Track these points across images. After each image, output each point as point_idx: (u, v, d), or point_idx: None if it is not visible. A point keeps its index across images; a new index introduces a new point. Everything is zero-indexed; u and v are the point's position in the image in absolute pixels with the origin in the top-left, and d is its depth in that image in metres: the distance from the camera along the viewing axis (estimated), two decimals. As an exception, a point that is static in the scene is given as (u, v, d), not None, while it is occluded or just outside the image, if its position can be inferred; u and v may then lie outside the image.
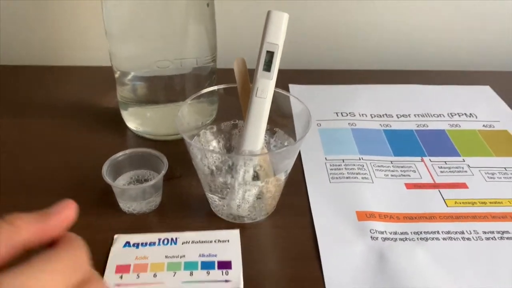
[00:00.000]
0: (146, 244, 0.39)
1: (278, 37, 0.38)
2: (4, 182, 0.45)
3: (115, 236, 0.40)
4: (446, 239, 0.39)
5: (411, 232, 0.40)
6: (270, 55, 0.38)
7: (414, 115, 0.56)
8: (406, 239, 0.39)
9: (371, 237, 0.39)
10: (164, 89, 0.50)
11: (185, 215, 0.42)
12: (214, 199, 0.41)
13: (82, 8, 0.64)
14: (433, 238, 0.39)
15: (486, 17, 0.67)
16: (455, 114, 0.56)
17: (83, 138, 0.52)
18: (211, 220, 0.42)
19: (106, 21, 0.47)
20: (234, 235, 0.40)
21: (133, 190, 0.41)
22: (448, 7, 0.66)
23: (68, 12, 0.65)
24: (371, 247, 0.38)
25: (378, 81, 0.62)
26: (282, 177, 0.40)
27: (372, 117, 0.55)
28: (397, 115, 0.56)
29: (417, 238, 0.39)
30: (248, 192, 0.40)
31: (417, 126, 0.54)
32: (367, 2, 0.65)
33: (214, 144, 0.44)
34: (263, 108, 0.39)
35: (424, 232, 0.40)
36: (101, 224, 0.41)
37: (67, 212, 0.25)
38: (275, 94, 0.41)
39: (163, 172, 0.41)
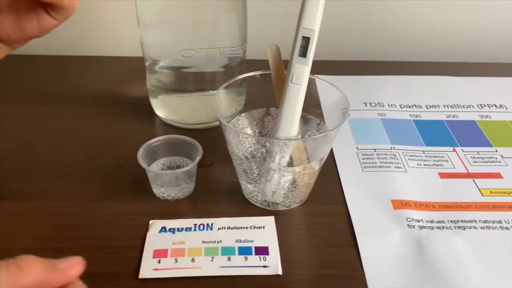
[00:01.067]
0: (182, 229, 0.39)
1: (314, 23, 0.38)
2: (42, 169, 0.45)
3: (151, 221, 0.40)
4: (483, 228, 0.39)
5: (447, 221, 0.40)
6: (306, 40, 0.38)
7: (444, 105, 0.55)
8: (443, 227, 0.39)
9: (407, 225, 0.39)
10: (193, 78, 0.50)
11: (218, 202, 0.42)
12: (248, 186, 0.41)
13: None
14: (470, 227, 0.39)
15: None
16: (485, 105, 0.55)
17: (113, 126, 0.52)
18: (245, 207, 0.42)
19: (139, 9, 0.47)
20: (269, 221, 0.40)
21: (166, 176, 0.41)
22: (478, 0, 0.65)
23: (100, 4, 0.65)
24: (408, 235, 0.38)
25: (405, 72, 0.62)
26: (317, 165, 0.40)
27: (401, 107, 0.55)
28: (426, 105, 0.55)
29: (454, 227, 0.39)
30: (283, 178, 0.39)
31: (447, 117, 0.53)
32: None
33: (248, 131, 0.44)
34: (298, 95, 0.39)
35: (461, 221, 0.40)
36: (135, 209, 0.41)
37: (74, 268, 0.27)
38: (309, 81, 0.41)
39: (198, 158, 0.41)
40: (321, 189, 0.43)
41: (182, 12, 0.46)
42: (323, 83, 0.42)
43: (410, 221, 0.39)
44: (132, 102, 0.56)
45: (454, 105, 0.55)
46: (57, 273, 0.26)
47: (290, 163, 0.39)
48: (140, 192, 0.43)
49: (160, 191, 0.42)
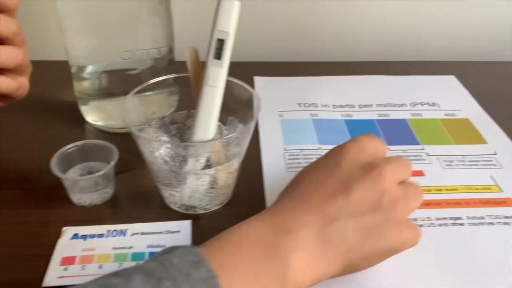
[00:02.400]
0: (94, 236, 0.38)
1: (228, 25, 0.38)
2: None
3: (64, 228, 0.39)
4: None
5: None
6: (221, 43, 0.38)
7: (376, 105, 0.56)
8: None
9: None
10: (121, 82, 0.49)
11: (138, 207, 0.42)
12: (165, 190, 0.41)
13: (35, 4, 0.63)
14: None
15: (451, 7, 0.67)
16: (418, 104, 0.56)
17: (40, 132, 0.51)
18: (164, 212, 0.41)
19: (60, 16, 0.47)
20: (185, 225, 0.39)
21: (83, 182, 0.40)
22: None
23: (22, 7, 0.64)
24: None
25: (342, 72, 0.62)
26: (234, 165, 0.40)
27: (334, 107, 0.55)
28: (359, 105, 0.56)
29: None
30: (200, 181, 0.39)
31: (378, 116, 0.54)
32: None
33: (169, 135, 0.43)
34: (214, 97, 0.38)
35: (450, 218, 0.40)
36: (51, 217, 0.40)
37: None
38: (230, 83, 0.41)
39: (113, 162, 0.40)
40: (244, 190, 0.43)
41: (104, 16, 0.45)
42: (241, 83, 0.42)
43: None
44: (62, 107, 0.55)
45: (387, 104, 0.56)
46: None
47: (209, 165, 0.39)
48: (58, 199, 0.42)
49: (76, 197, 0.41)
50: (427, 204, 0.41)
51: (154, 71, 0.49)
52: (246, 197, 0.42)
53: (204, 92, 0.38)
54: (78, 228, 0.39)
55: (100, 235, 0.38)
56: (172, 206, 0.41)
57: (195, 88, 0.41)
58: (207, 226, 0.40)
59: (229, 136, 0.39)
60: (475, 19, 0.68)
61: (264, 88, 0.59)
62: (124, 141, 0.43)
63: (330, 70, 0.62)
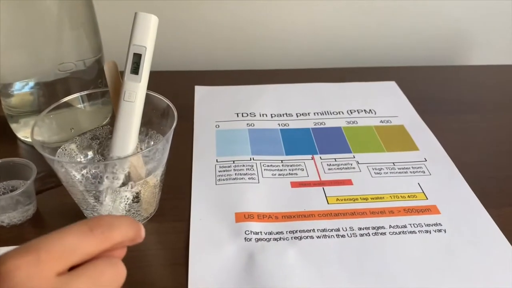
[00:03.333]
0: None
1: (145, 39, 0.37)
2: None
3: None
4: (320, 237, 0.39)
5: (286, 232, 0.40)
6: (138, 57, 0.38)
7: (314, 113, 0.56)
8: (280, 238, 0.39)
9: (245, 238, 0.39)
10: (50, 96, 0.48)
11: (61, 225, 0.41)
12: (86, 208, 0.40)
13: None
14: (307, 237, 0.39)
15: (390, 12, 0.68)
16: (354, 111, 0.56)
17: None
18: (87, 229, 0.40)
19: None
20: None
21: (4, 201, 0.39)
22: (351, 5, 0.66)
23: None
24: (242, 248, 0.38)
25: (284, 80, 0.62)
26: (153, 179, 0.39)
27: (272, 116, 0.55)
28: (297, 114, 0.56)
29: (292, 238, 0.39)
30: (119, 199, 0.39)
31: (315, 124, 0.54)
32: (269, 2, 0.65)
33: (89, 152, 0.43)
34: (133, 112, 0.38)
35: (299, 231, 0.40)
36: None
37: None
38: (150, 96, 0.40)
39: (32, 178, 0.39)
40: (170, 205, 0.42)
41: (27, 31, 0.44)
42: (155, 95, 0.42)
43: (248, 233, 0.39)
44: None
45: (324, 112, 0.56)
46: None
47: (131, 181, 0.38)
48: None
49: (-4, 217, 0.40)
50: (352, 214, 0.42)
51: (83, 83, 0.48)
52: (171, 212, 0.42)
53: (122, 107, 0.38)
54: None
55: None
56: (95, 223, 0.41)
57: (115, 103, 0.41)
58: (130, 243, 0.40)
59: (144, 151, 0.39)
60: (418, 23, 0.69)
61: (204, 97, 0.58)
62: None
63: (271, 78, 0.62)
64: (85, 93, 0.43)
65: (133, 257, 0.38)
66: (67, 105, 0.42)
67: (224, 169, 0.47)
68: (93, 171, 0.39)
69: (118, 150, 0.38)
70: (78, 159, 0.42)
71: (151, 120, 0.42)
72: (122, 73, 0.38)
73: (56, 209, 0.42)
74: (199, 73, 0.65)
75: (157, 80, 0.44)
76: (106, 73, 0.41)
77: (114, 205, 0.39)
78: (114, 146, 0.38)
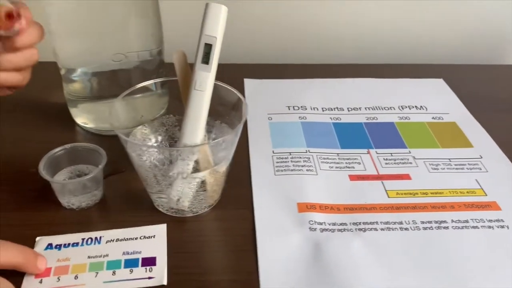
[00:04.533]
0: (68, 245, 0.38)
1: (216, 30, 0.38)
2: None
3: (37, 238, 0.39)
4: (384, 230, 0.40)
5: (350, 223, 0.40)
6: (208, 47, 0.38)
7: (365, 108, 0.56)
8: (344, 229, 0.40)
9: (309, 228, 0.39)
10: (111, 84, 0.49)
11: (127, 210, 0.42)
12: (153, 194, 0.41)
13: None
14: (371, 229, 0.40)
15: (440, 10, 0.68)
16: (406, 107, 0.57)
17: (28, 134, 0.51)
18: (153, 214, 0.41)
19: (48, 20, 0.47)
20: (160, 230, 0.39)
21: (72, 185, 0.40)
22: (401, 4, 0.66)
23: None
24: (308, 238, 0.39)
25: (331, 75, 0.62)
26: (221, 168, 0.40)
27: (323, 110, 0.55)
28: (348, 108, 0.56)
29: (356, 229, 0.40)
30: (188, 185, 0.39)
31: (367, 119, 0.54)
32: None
33: (157, 138, 0.44)
34: (202, 101, 0.39)
35: (362, 223, 0.40)
36: (40, 219, 0.40)
37: None
38: (218, 87, 0.41)
39: (102, 165, 0.40)
40: (232, 193, 0.43)
41: (94, 19, 0.45)
42: (228, 87, 0.42)
43: (312, 223, 0.40)
44: (52, 109, 0.55)
45: (376, 107, 0.56)
46: None
47: (197, 169, 0.39)
48: (47, 202, 0.42)
49: (65, 200, 0.41)
50: (413, 208, 0.42)
51: (144, 73, 0.49)
52: (234, 201, 0.43)
53: (192, 96, 0.39)
54: (52, 237, 0.38)
55: (75, 244, 0.38)
56: (161, 209, 0.42)
57: (184, 92, 0.42)
58: (195, 229, 0.41)
59: (217, 140, 0.39)
60: (465, 22, 0.69)
61: (254, 90, 0.59)
62: (114, 143, 0.43)
63: (319, 73, 0.63)
64: (157, 81, 0.43)
65: (203, 242, 0.40)
66: (136, 92, 0.42)
67: (281, 160, 0.47)
68: (164, 156, 0.40)
69: (187, 138, 0.39)
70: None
71: (216, 110, 0.43)
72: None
73: (122, 194, 0.43)
74: (246, 66, 0.65)
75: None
76: (175, 62, 0.42)
77: (183, 191, 0.39)
78: (184, 134, 0.39)
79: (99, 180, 0.41)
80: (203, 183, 0.40)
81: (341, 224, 0.40)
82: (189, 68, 0.41)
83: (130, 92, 0.42)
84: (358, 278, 0.36)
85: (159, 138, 0.44)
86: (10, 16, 0.34)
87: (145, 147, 0.41)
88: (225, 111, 0.43)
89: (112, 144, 0.43)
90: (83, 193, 0.41)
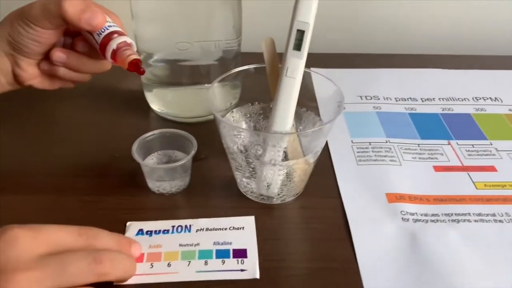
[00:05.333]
0: (159, 231, 0.38)
1: (309, 16, 0.38)
2: (38, 163, 0.45)
3: (128, 223, 0.39)
4: (477, 221, 0.39)
5: (442, 214, 0.40)
6: (301, 34, 0.38)
7: (439, 99, 0.55)
8: (437, 220, 0.39)
9: (402, 218, 0.39)
10: (188, 72, 0.49)
11: (213, 196, 0.42)
12: (243, 180, 0.41)
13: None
14: (464, 220, 0.39)
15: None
16: (480, 98, 0.55)
17: (108, 120, 0.52)
18: (240, 201, 0.42)
19: (133, 3, 0.47)
20: (248, 222, 0.39)
21: (162, 170, 0.41)
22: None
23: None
24: (402, 228, 0.38)
25: (398, 65, 0.61)
26: (312, 158, 0.40)
27: (396, 100, 0.55)
28: (421, 98, 0.55)
29: (449, 220, 0.39)
30: (278, 172, 0.39)
31: (442, 110, 0.53)
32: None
33: (243, 125, 0.44)
34: (293, 88, 0.39)
35: (455, 214, 0.40)
36: (130, 204, 0.41)
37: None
38: (308, 75, 0.41)
39: (193, 152, 0.41)
40: (316, 182, 0.43)
41: (177, 5, 0.45)
42: (318, 76, 0.42)
43: (405, 214, 0.40)
44: (127, 95, 0.56)
45: (450, 98, 0.55)
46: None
47: (285, 157, 0.39)
48: (135, 187, 0.43)
49: (155, 185, 0.42)
50: (504, 200, 0.41)
51: (221, 63, 0.49)
52: (319, 190, 0.43)
53: (283, 83, 0.39)
54: (143, 223, 0.39)
55: (166, 231, 0.38)
56: (249, 196, 0.42)
57: (272, 79, 0.42)
58: (283, 216, 0.41)
59: (313, 129, 0.39)
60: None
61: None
62: (189, 130, 0.43)
63: (385, 63, 0.62)
64: (252, 66, 0.43)
65: (294, 229, 0.40)
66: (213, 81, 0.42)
67: (362, 150, 0.47)
68: (256, 142, 0.40)
69: (277, 125, 0.39)
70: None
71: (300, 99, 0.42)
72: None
73: (208, 181, 0.44)
74: (311, 55, 0.65)
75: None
76: (264, 50, 0.42)
77: (273, 178, 0.40)
78: (274, 121, 0.39)
79: (188, 167, 0.42)
80: (291, 172, 0.40)
81: (433, 215, 0.40)
82: (277, 55, 0.41)
83: (223, 77, 0.42)
84: (458, 269, 0.35)
85: (244, 125, 0.44)
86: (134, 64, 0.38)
87: (241, 129, 0.41)
88: (311, 101, 0.43)
89: (190, 131, 0.43)
90: (172, 179, 0.41)
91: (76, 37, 0.41)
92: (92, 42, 0.39)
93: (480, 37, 0.68)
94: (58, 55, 0.40)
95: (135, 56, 0.38)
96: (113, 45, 0.38)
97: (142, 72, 0.38)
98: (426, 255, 0.36)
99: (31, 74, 0.41)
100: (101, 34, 0.38)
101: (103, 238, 0.33)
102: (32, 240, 0.30)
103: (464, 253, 0.36)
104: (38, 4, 0.38)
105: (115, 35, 0.38)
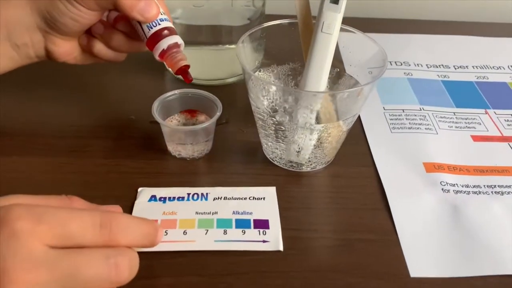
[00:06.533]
0: (173, 198, 0.35)
1: (348, -34, 0.34)
2: (48, 123, 0.42)
3: (139, 189, 0.36)
4: (523, 194, 0.37)
5: (484, 186, 0.37)
6: (339, -14, 0.35)
7: (473, 66, 0.52)
8: (479, 192, 0.37)
9: (442, 189, 0.37)
10: (207, 31, 0.46)
11: (237, 162, 0.40)
12: (270, 145, 0.38)
13: None
14: (508, 192, 0.37)
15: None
16: (516, 67, 0.52)
17: (122, 81, 0.48)
18: (267, 168, 0.39)
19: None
20: (270, 192, 0.36)
21: (183, 132, 0.38)
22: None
23: None
24: (443, 199, 0.36)
25: (428, 31, 0.58)
26: (346, 124, 0.37)
27: (428, 67, 0.52)
28: (454, 66, 0.52)
29: (492, 192, 0.37)
30: (310, 137, 0.37)
31: (477, 78, 0.50)
32: None
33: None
34: (329, 45, 0.35)
35: (498, 186, 0.37)
36: (148, 168, 0.38)
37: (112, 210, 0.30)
38: (346, 33, 0.38)
39: (218, 114, 0.38)
40: (347, 150, 0.40)
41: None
42: (352, 35, 0.39)
43: (445, 185, 0.37)
44: (141, 56, 0.52)
45: (484, 66, 0.52)
46: (98, 209, 0.29)
47: (317, 121, 0.36)
48: (154, 150, 0.40)
49: (176, 149, 0.39)
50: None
51: (244, 23, 0.46)
52: (351, 158, 0.40)
53: (318, 39, 0.35)
54: (155, 189, 0.36)
55: (180, 198, 0.35)
56: (276, 162, 0.39)
57: (304, 37, 0.38)
58: (314, 185, 0.38)
59: (351, 90, 0.36)
60: None
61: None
62: (212, 93, 0.40)
63: (414, 28, 0.58)
64: (284, 21, 0.40)
65: (326, 198, 0.37)
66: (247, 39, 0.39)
67: (395, 117, 0.44)
68: (286, 101, 0.37)
69: (311, 85, 0.36)
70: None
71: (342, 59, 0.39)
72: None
73: (231, 146, 0.41)
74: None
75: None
76: (296, 5, 0.38)
77: (304, 142, 0.37)
78: (307, 80, 0.36)
79: (211, 131, 0.39)
80: (324, 137, 0.37)
81: (474, 186, 0.37)
82: (310, 12, 0.38)
83: (251, 33, 0.38)
84: (505, 242, 0.33)
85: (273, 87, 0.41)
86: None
87: (274, 86, 0.38)
88: (352, 61, 0.39)
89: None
90: (194, 143, 0.38)
91: (118, 15, 0.37)
92: (138, 29, 0.36)
93: (510, 5, 0.65)
94: (97, 25, 0.37)
95: (185, 63, 0.35)
96: (163, 45, 0.35)
97: (189, 80, 0.36)
98: (470, 228, 0.34)
99: (67, 51, 0.37)
100: (151, 28, 0.35)
101: (131, 231, 0.27)
102: (30, 234, 0.23)
103: (510, 227, 0.34)
104: None
105: (166, 31, 0.35)
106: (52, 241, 0.24)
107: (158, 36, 0.35)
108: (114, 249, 0.25)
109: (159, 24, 0.35)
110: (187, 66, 0.36)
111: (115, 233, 0.25)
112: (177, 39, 0.36)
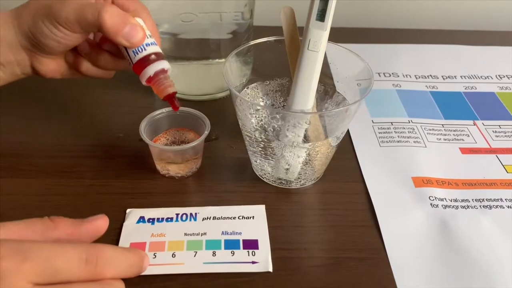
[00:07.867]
0: (162, 219, 0.35)
1: (334, -17, 0.34)
2: (35, 143, 0.42)
3: (128, 210, 0.36)
4: (510, 207, 0.37)
5: (472, 200, 0.37)
6: (325, 3, 0.35)
7: (461, 76, 0.52)
8: (468, 206, 0.37)
9: (430, 204, 0.37)
10: (195, 46, 0.46)
11: (226, 179, 0.40)
12: (259, 162, 0.38)
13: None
14: (497, 206, 0.37)
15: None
16: (504, 76, 0.53)
17: (110, 97, 0.48)
18: (256, 185, 0.39)
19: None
20: (259, 211, 0.36)
21: (171, 152, 0.38)
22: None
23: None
24: (432, 214, 0.36)
25: (416, 41, 0.58)
26: (334, 141, 0.37)
27: (416, 78, 0.52)
28: (442, 76, 0.52)
29: (480, 206, 0.37)
30: (298, 154, 0.37)
31: (465, 88, 0.50)
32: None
33: (260, 103, 0.41)
34: (315, 63, 0.35)
35: (486, 200, 0.37)
36: (137, 188, 0.38)
37: (98, 223, 0.29)
38: (333, 49, 0.38)
39: (206, 133, 0.38)
40: (336, 165, 0.40)
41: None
42: (339, 50, 0.39)
43: (433, 199, 0.37)
44: (129, 72, 0.52)
45: (472, 76, 0.52)
46: (84, 225, 0.28)
47: (305, 138, 0.36)
48: (142, 169, 0.40)
49: (165, 167, 0.39)
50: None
51: (232, 36, 0.45)
52: (340, 174, 0.40)
53: (305, 56, 0.35)
54: (143, 210, 0.36)
55: (169, 219, 0.35)
56: (265, 179, 0.39)
57: (291, 53, 0.38)
58: (303, 202, 0.38)
59: (338, 110, 0.36)
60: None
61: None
62: (198, 109, 0.40)
63: (402, 38, 0.58)
64: (270, 39, 0.40)
65: (317, 215, 0.37)
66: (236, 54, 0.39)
67: (383, 130, 0.44)
68: (273, 120, 0.37)
69: (298, 103, 0.36)
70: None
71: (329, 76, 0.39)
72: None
73: (220, 163, 0.41)
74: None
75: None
76: (283, 20, 0.38)
77: (293, 160, 0.37)
78: (295, 98, 0.36)
79: (200, 149, 0.39)
80: (312, 154, 0.37)
81: (463, 200, 0.37)
82: (297, 27, 0.38)
83: (238, 51, 0.38)
84: (493, 257, 0.33)
85: (261, 103, 0.41)
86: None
87: (260, 107, 0.38)
88: (331, 77, 0.39)
89: (198, 110, 0.40)
90: (183, 161, 0.38)
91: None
92: (124, 53, 0.35)
93: (498, 13, 0.65)
94: (83, 45, 0.36)
95: (172, 89, 0.35)
96: (150, 71, 0.34)
97: (177, 108, 0.36)
98: (460, 243, 0.34)
99: (53, 69, 0.37)
100: (137, 53, 0.34)
101: (116, 264, 0.26)
102: (15, 272, 0.23)
103: (498, 241, 0.34)
104: (72, 7, 0.33)
105: (153, 56, 0.34)
106: (37, 278, 0.23)
107: (144, 62, 0.34)
108: (100, 282, 0.25)
109: (145, 50, 0.34)
110: (174, 93, 0.35)
111: (101, 267, 0.25)
112: (164, 64, 0.35)
